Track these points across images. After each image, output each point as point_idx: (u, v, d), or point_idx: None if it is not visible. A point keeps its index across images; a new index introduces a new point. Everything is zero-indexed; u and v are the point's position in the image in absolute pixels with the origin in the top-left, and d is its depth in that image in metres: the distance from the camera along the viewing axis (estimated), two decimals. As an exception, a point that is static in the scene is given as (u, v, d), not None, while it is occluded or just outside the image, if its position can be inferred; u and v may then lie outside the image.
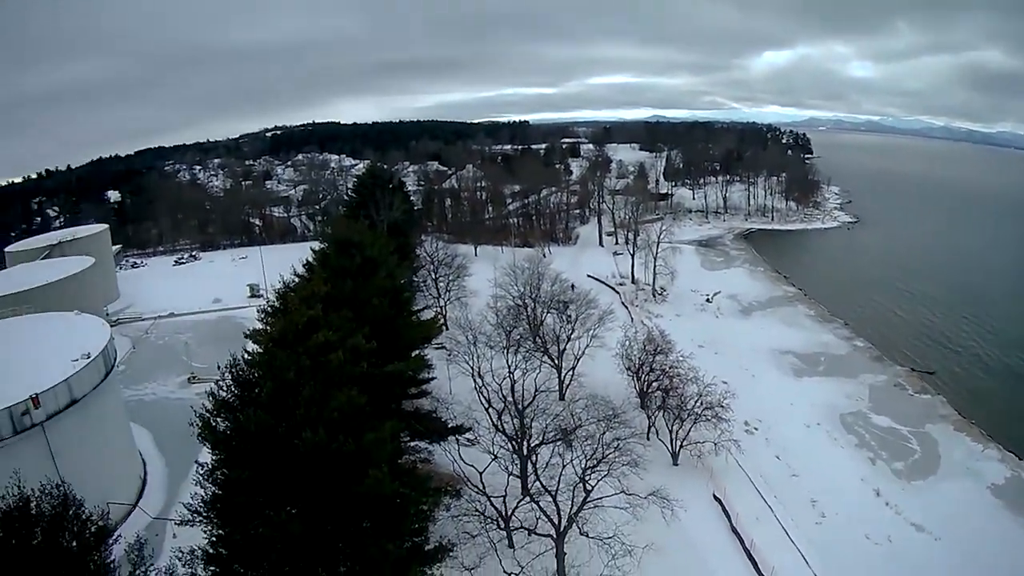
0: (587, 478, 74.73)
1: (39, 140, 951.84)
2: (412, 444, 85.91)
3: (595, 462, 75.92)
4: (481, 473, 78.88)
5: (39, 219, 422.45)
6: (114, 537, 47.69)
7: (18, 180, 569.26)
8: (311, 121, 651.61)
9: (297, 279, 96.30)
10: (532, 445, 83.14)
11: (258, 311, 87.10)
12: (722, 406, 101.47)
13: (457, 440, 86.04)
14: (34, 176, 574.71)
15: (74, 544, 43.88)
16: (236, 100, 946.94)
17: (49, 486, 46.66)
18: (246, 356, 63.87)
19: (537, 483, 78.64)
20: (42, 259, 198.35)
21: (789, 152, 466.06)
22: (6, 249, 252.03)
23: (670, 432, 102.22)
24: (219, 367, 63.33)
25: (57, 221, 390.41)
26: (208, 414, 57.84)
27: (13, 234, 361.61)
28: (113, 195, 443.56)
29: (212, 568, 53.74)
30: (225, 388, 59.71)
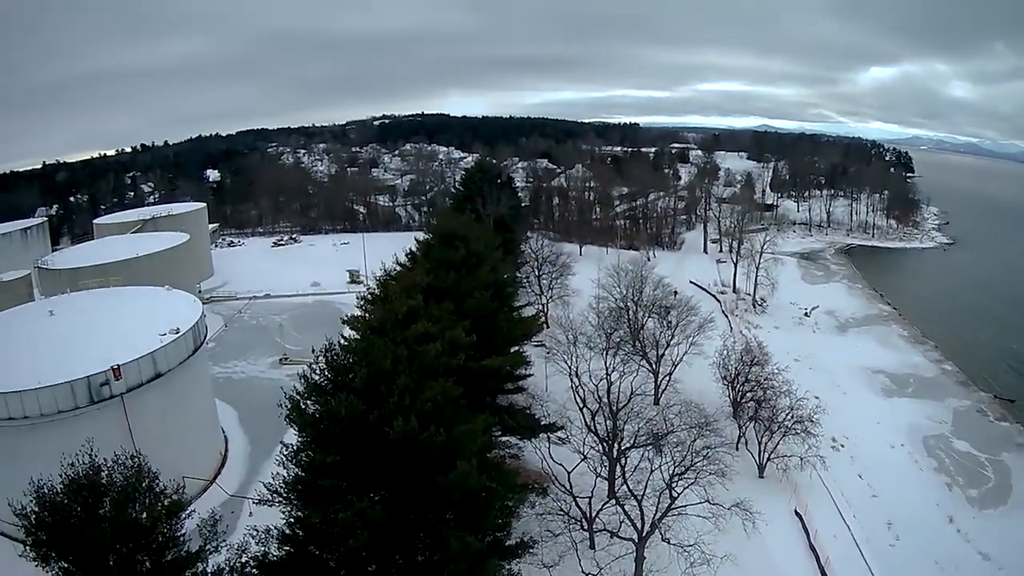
0: (674, 485, 73.30)
1: (135, 114, 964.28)
2: (503, 439, 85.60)
3: (683, 469, 74.65)
4: (569, 473, 77.81)
5: (132, 193, 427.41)
6: (187, 511, 47.94)
7: (111, 153, 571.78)
8: (420, 112, 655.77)
9: (399, 268, 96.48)
10: (623, 448, 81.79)
11: (357, 298, 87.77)
12: (812, 421, 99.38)
13: (548, 438, 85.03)
14: (128, 150, 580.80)
15: (144, 516, 44.16)
16: (344, 87, 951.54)
17: (123, 457, 47.06)
18: (342, 341, 63.89)
19: (624, 486, 76.95)
20: (133, 232, 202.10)
21: (891, 170, 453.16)
22: (95, 221, 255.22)
23: (759, 444, 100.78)
24: (313, 350, 64.05)
25: (151, 197, 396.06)
26: (298, 396, 57.98)
27: (103, 207, 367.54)
28: (212, 174, 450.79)
29: (286, 548, 53.86)
30: (318, 372, 59.74)
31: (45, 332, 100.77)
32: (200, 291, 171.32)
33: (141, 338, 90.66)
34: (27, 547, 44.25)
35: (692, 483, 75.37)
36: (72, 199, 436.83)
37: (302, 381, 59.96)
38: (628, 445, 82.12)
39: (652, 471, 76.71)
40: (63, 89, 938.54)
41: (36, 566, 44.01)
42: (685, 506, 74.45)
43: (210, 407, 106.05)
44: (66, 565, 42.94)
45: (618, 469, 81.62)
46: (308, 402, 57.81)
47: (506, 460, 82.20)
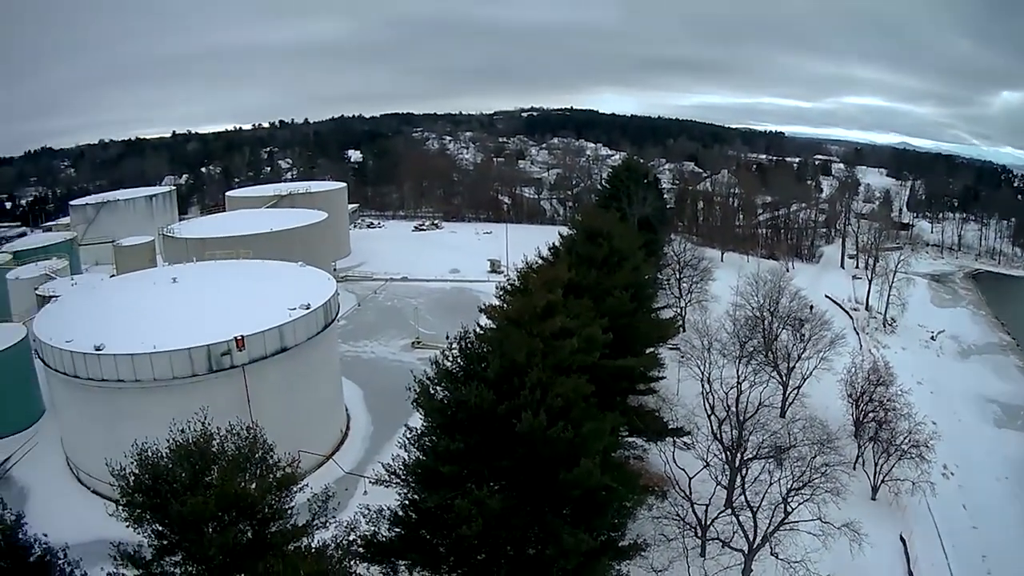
0: (790, 499, 72.72)
1: (274, 91, 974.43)
2: (629, 439, 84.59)
3: (800, 484, 73.92)
4: (691, 479, 77.62)
5: (268, 168, 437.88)
6: (299, 485, 48.05)
7: (247, 127, 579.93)
8: (569, 106, 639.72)
9: (541, 261, 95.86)
10: (745, 458, 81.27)
11: (497, 287, 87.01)
12: (927, 446, 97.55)
13: (674, 442, 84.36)
14: (266, 125, 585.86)
15: (253, 487, 44.54)
16: (492, 77, 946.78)
17: (239, 427, 47.51)
18: (478, 330, 63.80)
19: (742, 497, 76.43)
20: (268, 207, 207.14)
21: (1020, 197, 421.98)
22: (228, 193, 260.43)
23: (875, 465, 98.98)
24: (447, 336, 63.87)
25: (289, 173, 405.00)
26: (428, 381, 57.84)
27: (237, 180, 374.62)
28: (354, 154, 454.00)
29: (397, 530, 54.41)
30: (451, 358, 59.55)
31: (167, 299, 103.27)
32: (335, 269, 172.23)
33: (269, 311, 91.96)
34: (120, 507, 44.98)
35: (807, 499, 74.60)
36: (204, 170, 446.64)
37: (433, 366, 59.84)
38: (751, 456, 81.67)
39: (771, 484, 75.81)
40: (197, 61, 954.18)
41: (127, 527, 44.52)
42: (797, 522, 73.61)
43: (335, 385, 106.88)
44: (160, 528, 43.62)
45: (738, 479, 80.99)
46: (437, 388, 57.63)
47: (630, 461, 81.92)
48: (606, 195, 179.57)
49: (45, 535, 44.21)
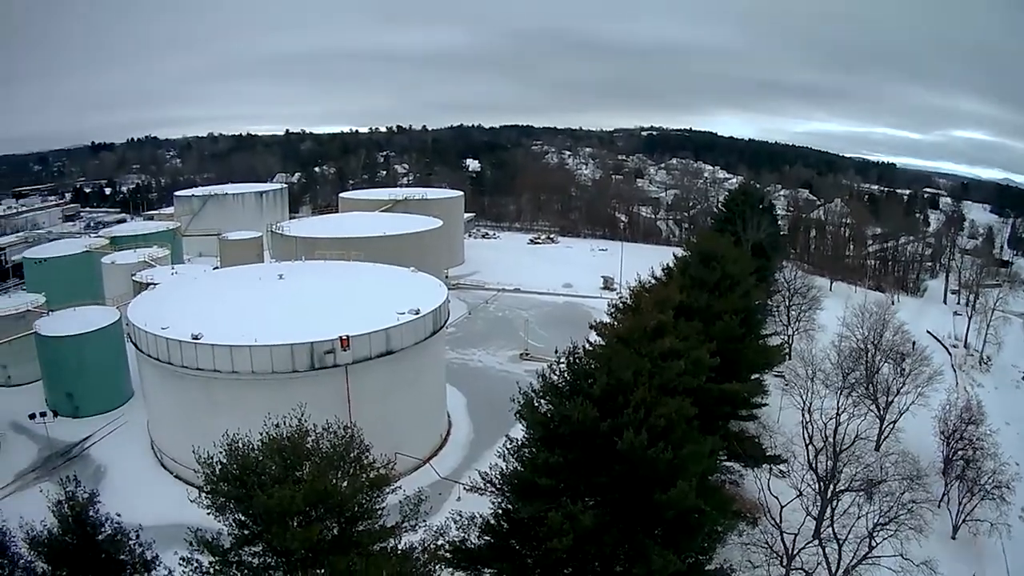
0: (875, 534, 71.32)
1: (393, 96, 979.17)
2: (727, 464, 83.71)
3: (887, 520, 72.66)
4: (782, 507, 75.57)
5: (384, 172, 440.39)
6: (392, 487, 47.85)
7: (363, 130, 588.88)
8: (688, 127, 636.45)
9: (654, 281, 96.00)
10: (837, 490, 79.51)
11: (609, 305, 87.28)
12: (1009, 487, 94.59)
13: (770, 469, 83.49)
14: (383, 129, 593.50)
15: (344, 485, 44.45)
16: (612, 93, 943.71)
17: (336, 426, 47.66)
18: (587, 346, 63.49)
19: (830, 528, 75.14)
20: (382, 211, 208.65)
21: None
22: (341, 194, 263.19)
23: (959, 504, 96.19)
24: (556, 350, 64.05)
25: (405, 178, 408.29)
26: (533, 394, 57.54)
27: (351, 182, 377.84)
28: (472, 164, 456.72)
29: (487, 538, 54.06)
30: (557, 372, 59.10)
31: (271, 294, 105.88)
32: (447, 277, 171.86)
33: (376, 314, 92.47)
34: (203, 494, 45.43)
35: (891, 535, 73.14)
36: (317, 170, 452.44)
37: (539, 379, 59.53)
38: (843, 488, 79.84)
39: (858, 517, 74.10)
40: (314, 61, 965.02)
41: (208, 514, 45.13)
42: (880, 557, 71.79)
43: (439, 391, 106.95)
44: (243, 519, 43.89)
45: (828, 510, 78.95)
46: (542, 401, 57.24)
47: (725, 485, 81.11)
48: (721, 219, 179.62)
49: (118, 515, 44.69)
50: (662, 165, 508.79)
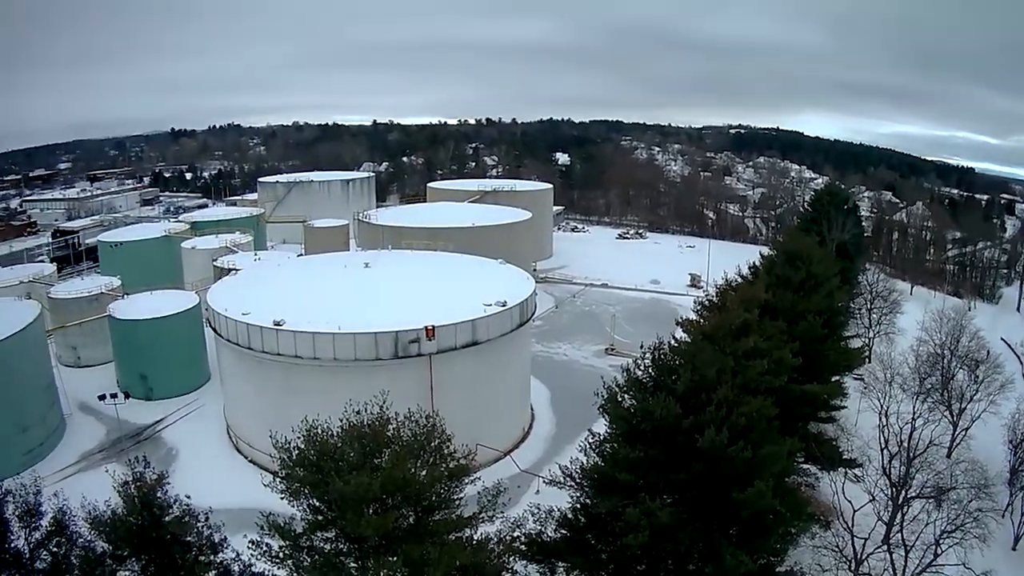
0: (941, 541, 70.10)
1: (482, 88, 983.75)
2: (804, 466, 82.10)
3: (953, 528, 71.28)
4: (855, 511, 74.96)
5: (473, 164, 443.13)
6: (472, 478, 47.51)
7: (452, 122, 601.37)
8: (775, 126, 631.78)
9: (740, 279, 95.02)
10: (908, 496, 78.39)
11: (695, 302, 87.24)
12: None
13: (845, 473, 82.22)
14: (472, 121, 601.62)
15: (423, 474, 43.99)
16: (701, 90, 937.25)
17: (418, 414, 47.12)
18: (672, 342, 62.37)
19: (899, 534, 74.06)
20: (470, 202, 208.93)
21: None
22: (430, 185, 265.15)
23: (1022, 514, 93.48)
24: (642, 346, 62.04)
25: (494, 170, 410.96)
26: (617, 388, 57.19)
27: (440, 172, 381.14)
28: (562, 157, 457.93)
29: (563, 532, 53.49)
30: (642, 368, 58.69)
31: (356, 282, 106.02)
32: (535, 270, 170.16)
33: (462, 304, 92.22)
34: (279, 479, 45.57)
35: (956, 543, 71.80)
36: (405, 160, 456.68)
37: (624, 374, 58.92)
38: (914, 494, 78.65)
39: (926, 524, 73.20)
40: (402, 52, 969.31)
41: (281, 498, 45.16)
42: (944, 565, 70.38)
43: (523, 383, 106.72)
44: (317, 504, 43.62)
45: (898, 516, 77.90)
46: (625, 396, 56.85)
47: (801, 487, 79.05)
48: (807, 218, 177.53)
49: (188, 496, 45.08)
50: (750, 163, 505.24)
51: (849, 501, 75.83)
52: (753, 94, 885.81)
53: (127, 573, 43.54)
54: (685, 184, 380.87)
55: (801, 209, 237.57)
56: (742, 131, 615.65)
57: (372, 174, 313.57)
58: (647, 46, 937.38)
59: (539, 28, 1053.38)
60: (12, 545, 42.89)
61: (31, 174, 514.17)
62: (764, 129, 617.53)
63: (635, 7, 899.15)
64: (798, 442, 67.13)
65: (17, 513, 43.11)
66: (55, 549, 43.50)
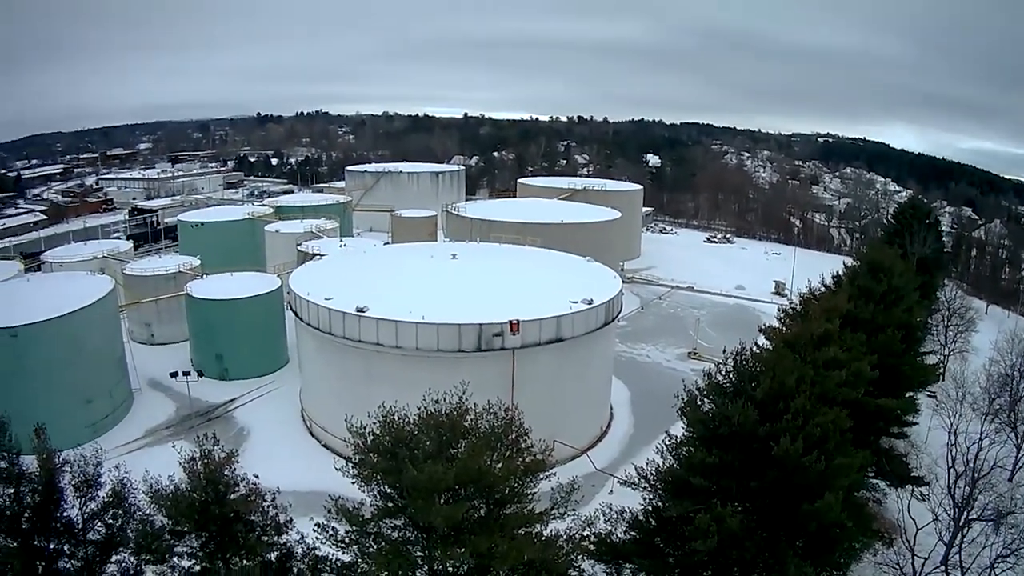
0: (996, 565, 68.39)
1: (573, 86, 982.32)
2: (874, 481, 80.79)
3: (1008, 552, 69.27)
4: (918, 530, 73.74)
5: (564, 161, 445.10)
6: (547, 473, 46.87)
7: (543, 118, 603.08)
8: (862, 137, 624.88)
9: (823, 289, 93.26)
10: (969, 517, 75.60)
11: (779, 309, 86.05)
12: None
13: (912, 490, 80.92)
14: (563, 119, 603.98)
15: (499, 466, 43.59)
16: (790, 98, 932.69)
17: (497, 407, 46.93)
18: (754, 349, 61.42)
19: (957, 556, 71.87)
20: (561, 199, 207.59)
21: None
22: (520, 180, 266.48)
23: None
24: (724, 351, 60.45)
25: (585, 169, 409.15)
26: (697, 392, 56.35)
27: (530, 168, 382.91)
28: (653, 159, 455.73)
29: (632, 533, 52.70)
30: (723, 373, 57.83)
31: (442, 273, 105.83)
32: (623, 270, 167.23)
33: (547, 300, 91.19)
34: (351, 464, 45.34)
35: (1009, 568, 70.16)
36: (495, 154, 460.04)
37: (705, 378, 58.17)
38: (975, 516, 76.26)
39: (983, 547, 71.13)
40: (495, 47, 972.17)
41: (352, 483, 44.90)
42: None
43: (605, 382, 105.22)
44: (389, 491, 43.04)
45: (959, 537, 74.83)
46: (705, 400, 55.91)
47: (869, 503, 77.70)
48: (890, 231, 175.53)
49: (256, 476, 45.29)
50: (836, 173, 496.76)
51: (913, 519, 74.81)
52: (841, 104, 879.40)
53: (185, 549, 43.96)
54: (773, 191, 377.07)
55: (885, 221, 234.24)
56: (830, 140, 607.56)
57: (462, 167, 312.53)
58: (737, 50, 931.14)
59: (630, 28, 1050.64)
60: (65, 514, 43.40)
61: (108, 152, 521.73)
62: (851, 139, 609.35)
63: (726, 11, 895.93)
64: (870, 456, 66.90)
65: (74, 483, 43.51)
66: (111, 521, 44.13)
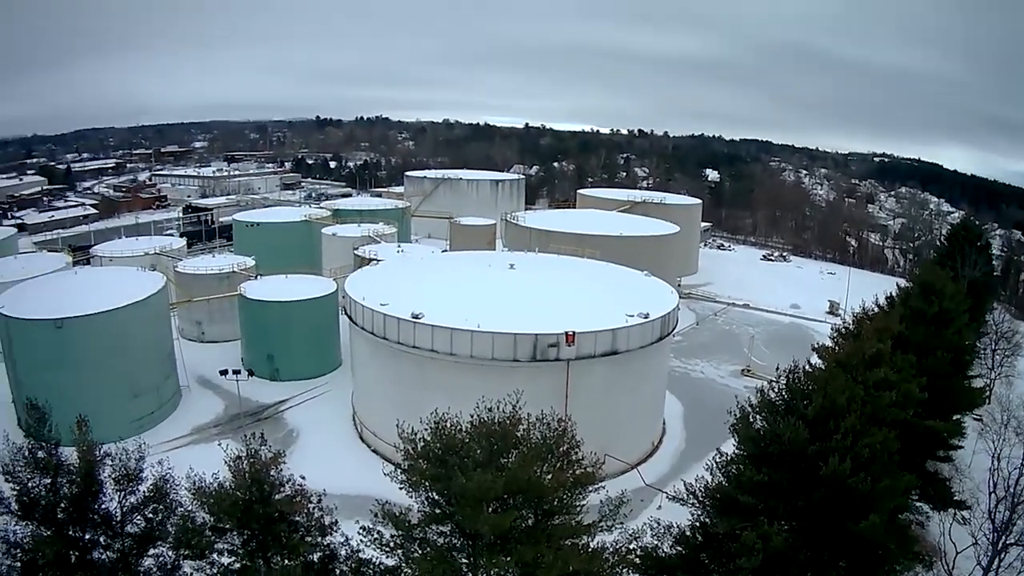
0: None
1: (633, 99, 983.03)
2: (918, 503, 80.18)
3: None
4: (957, 554, 72.87)
5: (624, 174, 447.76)
6: (596, 486, 46.55)
7: (604, 130, 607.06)
8: (917, 157, 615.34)
9: (876, 309, 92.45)
10: (1007, 543, 74.26)
11: (832, 329, 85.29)
12: None
13: (954, 514, 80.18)
14: (624, 131, 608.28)
15: (548, 477, 43.37)
16: (845, 115, 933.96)
17: (550, 418, 46.49)
18: (807, 367, 60.54)
19: None
20: (620, 211, 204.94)
21: None
22: (580, 191, 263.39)
23: None
24: (777, 368, 60.58)
25: (645, 182, 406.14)
26: (750, 409, 55.83)
27: (590, 180, 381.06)
28: (711, 174, 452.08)
29: (678, 549, 52.07)
30: (776, 391, 57.15)
31: (499, 282, 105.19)
32: (679, 285, 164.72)
33: (603, 313, 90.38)
34: (399, 470, 44.93)
35: None
36: (556, 165, 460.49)
37: (758, 395, 57.57)
38: (1012, 541, 74.51)
39: (1019, 572, 71.89)
40: (556, 56, 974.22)
41: (400, 488, 44.65)
42: None
43: (658, 397, 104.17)
44: (436, 498, 42.79)
45: (996, 561, 74.45)
46: (757, 417, 55.42)
47: (912, 525, 77.01)
48: (942, 253, 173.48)
49: (302, 477, 45.37)
50: (891, 193, 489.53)
51: (953, 542, 73.74)
52: (898, 123, 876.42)
53: (226, 546, 44.08)
54: (829, 209, 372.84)
55: (937, 243, 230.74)
56: (885, 159, 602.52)
57: (522, 176, 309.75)
58: (798, 67, 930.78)
59: (690, 41, 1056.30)
60: (103, 507, 43.71)
61: (163, 149, 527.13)
62: (906, 159, 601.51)
63: (788, 26, 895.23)
64: (915, 479, 65.66)
65: (114, 476, 43.85)
66: (150, 515, 44.48)
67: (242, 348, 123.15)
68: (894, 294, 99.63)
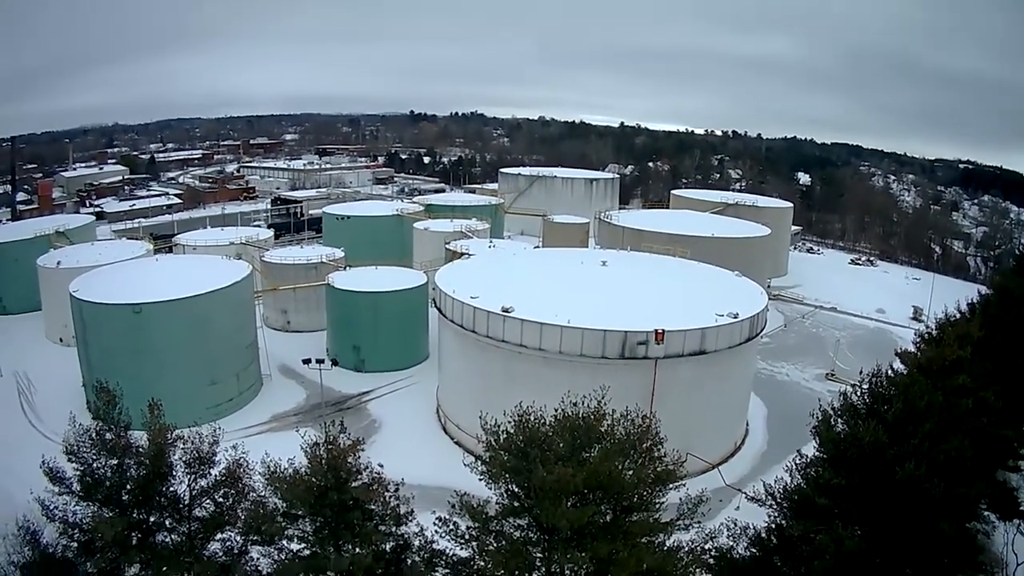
0: None
1: (726, 100, 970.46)
2: (986, 513, 76.53)
3: None
4: (1018, 566, 72.25)
5: (717, 175, 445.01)
6: (676, 484, 45.30)
7: (698, 131, 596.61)
8: (999, 165, 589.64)
9: (959, 315, 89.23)
10: None
11: (916, 334, 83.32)
12: None
13: (1018, 525, 77.98)
14: (718, 133, 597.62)
15: (629, 474, 42.86)
16: (932, 122, 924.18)
17: (634, 414, 45.61)
18: (889, 372, 59.19)
19: None
20: (713, 212, 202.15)
21: None
22: (674, 192, 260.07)
23: None
24: (861, 372, 58.66)
25: (738, 184, 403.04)
26: (832, 412, 54.53)
27: (684, 181, 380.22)
28: (803, 177, 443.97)
29: (753, 550, 50.98)
30: (859, 395, 56.07)
31: (591, 279, 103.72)
32: (769, 287, 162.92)
33: (693, 312, 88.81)
34: (480, 462, 44.33)
35: None
36: (651, 164, 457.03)
37: (840, 399, 56.34)
38: None
39: None
40: (652, 57, 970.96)
41: (479, 479, 43.92)
42: None
43: (743, 398, 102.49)
44: (516, 490, 41.98)
45: None
46: (838, 420, 53.98)
47: (978, 535, 71.09)
48: (1021, 261, 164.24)
49: (380, 465, 44.35)
50: (975, 201, 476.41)
51: (1015, 553, 72.10)
52: (982, 131, 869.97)
53: (297, 532, 43.63)
54: (916, 215, 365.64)
55: (1017, 251, 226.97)
56: (970, 167, 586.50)
57: (617, 175, 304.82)
58: (883, 72, 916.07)
59: (782, 45, 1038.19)
60: (171, 489, 43.35)
61: (252, 141, 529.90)
62: (989, 167, 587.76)
63: (872, 31, 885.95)
64: (985, 488, 62.99)
65: (185, 459, 43.46)
66: (220, 499, 43.94)
67: (328, 338, 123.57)
68: (975, 301, 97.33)
